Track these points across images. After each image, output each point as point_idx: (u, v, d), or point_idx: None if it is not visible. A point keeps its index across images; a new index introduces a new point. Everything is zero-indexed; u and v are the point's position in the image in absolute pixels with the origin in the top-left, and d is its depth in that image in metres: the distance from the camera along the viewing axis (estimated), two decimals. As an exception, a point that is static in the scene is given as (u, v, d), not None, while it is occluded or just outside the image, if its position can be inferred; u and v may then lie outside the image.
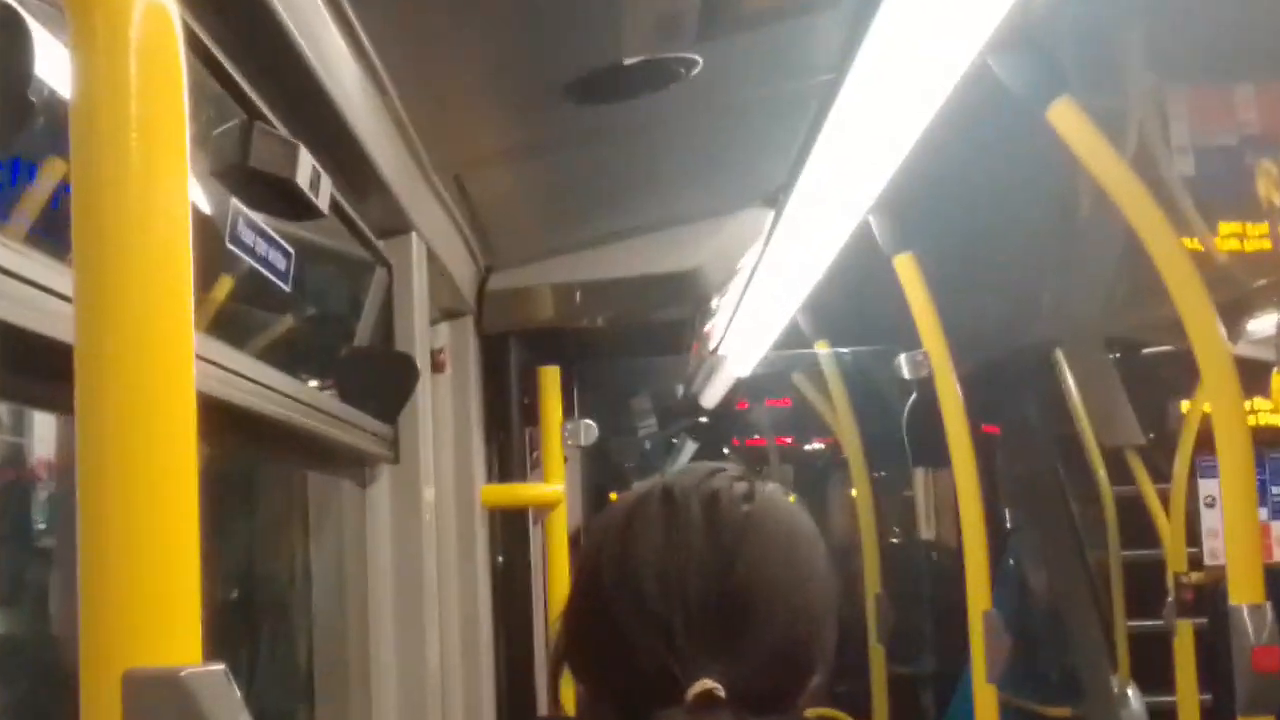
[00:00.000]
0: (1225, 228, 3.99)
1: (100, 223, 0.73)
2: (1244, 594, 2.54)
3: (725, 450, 8.58)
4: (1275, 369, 4.82)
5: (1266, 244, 3.98)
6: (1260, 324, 4.72)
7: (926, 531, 7.30)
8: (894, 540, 7.56)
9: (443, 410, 2.99)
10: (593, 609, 1.17)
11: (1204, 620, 5.36)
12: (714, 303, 3.84)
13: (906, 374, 3.83)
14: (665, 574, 1.11)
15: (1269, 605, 2.53)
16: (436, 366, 2.91)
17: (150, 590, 0.72)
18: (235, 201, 1.48)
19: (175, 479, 0.74)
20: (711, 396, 6.34)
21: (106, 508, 0.73)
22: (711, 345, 4.86)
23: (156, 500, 0.72)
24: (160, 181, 0.74)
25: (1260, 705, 2.55)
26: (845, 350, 5.78)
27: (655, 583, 1.11)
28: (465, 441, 3.09)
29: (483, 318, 3.19)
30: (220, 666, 0.75)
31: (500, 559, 3.44)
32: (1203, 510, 5.25)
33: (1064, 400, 5.78)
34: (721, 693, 1.06)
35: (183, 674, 0.73)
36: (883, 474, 6.86)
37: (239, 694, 0.75)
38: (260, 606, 2.81)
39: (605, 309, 3.42)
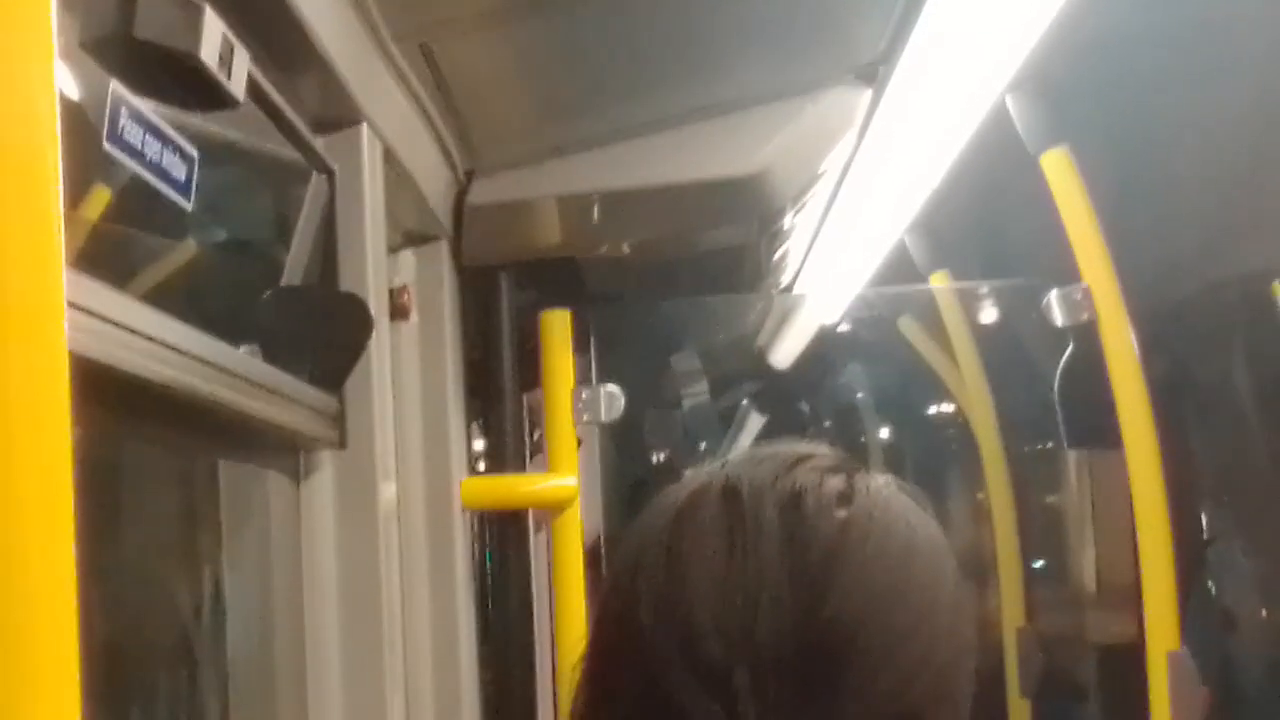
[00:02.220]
0: None
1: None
2: None
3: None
4: None
5: None
6: None
7: (1085, 538, 7.28)
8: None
9: (407, 373, 3.01)
10: (624, 659, 1.16)
11: None
12: (788, 220, 3.83)
13: (1059, 318, 3.81)
14: (727, 610, 1.10)
15: None
16: (398, 311, 2.92)
17: (11, 634, 0.72)
18: (115, 85, 1.48)
19: (43, 477, 0.74)
20: (785, 352, 6.33)
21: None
22: (784, 279, 4.86)
23: (18, 510, 0.73)
24: (15, 59, 0.74)
25: None
26: (973, 285, 5.76)
27: (712, 623, 1.10)
28: (439, 417, 3.10)
29: (462, 243, 3.20)
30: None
31: (489, 580, 3.45)
32: None
33: (1288, 354, 5.74)
34: None
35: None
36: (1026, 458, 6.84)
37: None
38: (152, 650, 2.82)
39: (634, 230, 3.42)
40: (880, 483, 1.20)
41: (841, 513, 1.14)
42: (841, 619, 1.09)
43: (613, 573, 1.22)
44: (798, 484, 1.15)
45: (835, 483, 1.16)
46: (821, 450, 1.22)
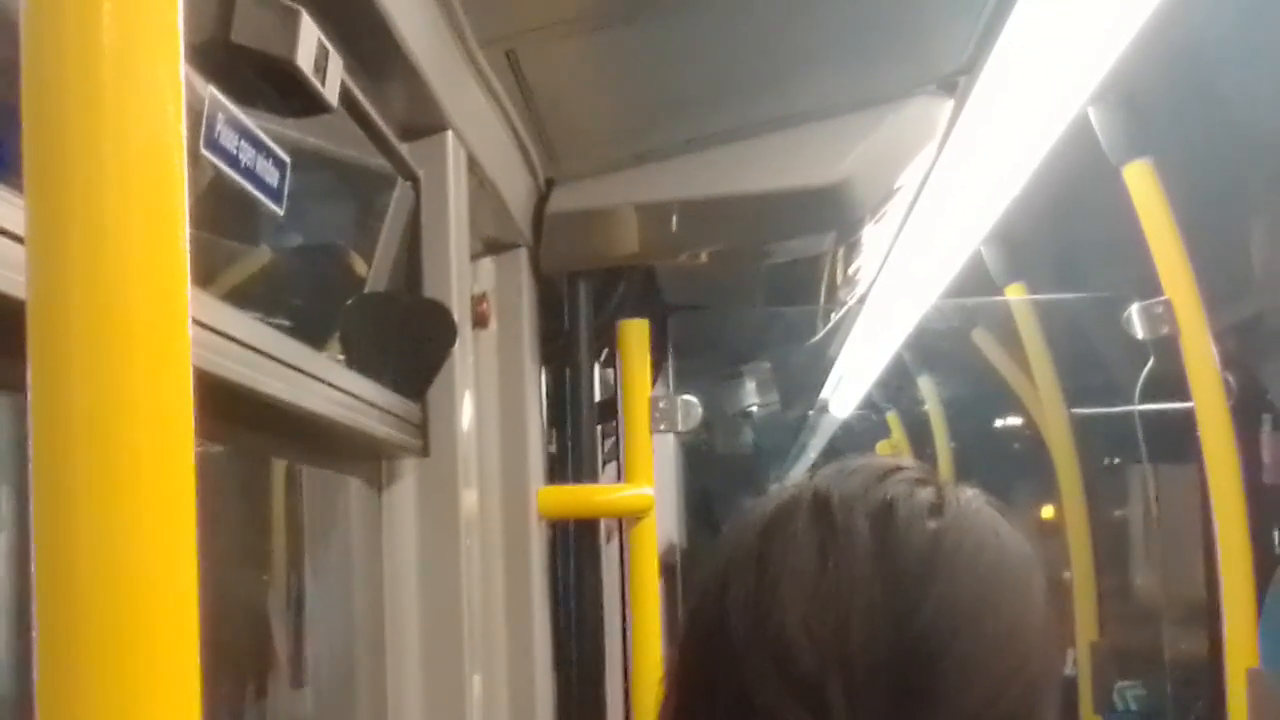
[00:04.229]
0: None
1: (60, 129, 0.73)
2: None
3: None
4: None
5: None
6: None
7: (1155, 553, 7.23)
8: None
9: (485, 382, 3.00)
10: (714, 670, 1.15)
11: None
12: (866, 230, 3.82)
13: (1140, 332, 3.79)
14: (819, 622, 1.09)
15: None
16: (478, 319, 2.91)
17: (134, 646, 0.73)
18: (213, 91, 1.49)
19: (167, 489, 0.73)
20: (857, 363, 6.31)
21: (70, 530, 0.72)
22: (859, 290, 4.84)
23: (141, 520, 0.72)
24: (145, 65, 0.74)
25: None
26: (1050, 298, 5.72)
27: (805, 634, 1.09)
28: (517, 425, 3.09)
29: (541, 251, 3.19)
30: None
31: (561, 588, 3.45)
32: None
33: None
34: None
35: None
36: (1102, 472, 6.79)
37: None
38: (235, 654, 2.83)
39: (713, 239, 3.40)
40: (969, 495, 1.19)
41: (933, 524, 1.13)
42: (935, 629, 1.09)
43: (701, 584, 1.21)
44: (888, 495, 1.14)
45: (926, 494, 1.15)
46: (909, 462, 1.21)
